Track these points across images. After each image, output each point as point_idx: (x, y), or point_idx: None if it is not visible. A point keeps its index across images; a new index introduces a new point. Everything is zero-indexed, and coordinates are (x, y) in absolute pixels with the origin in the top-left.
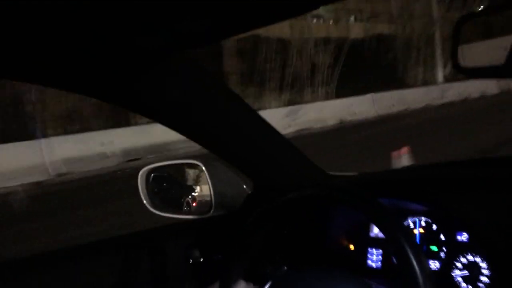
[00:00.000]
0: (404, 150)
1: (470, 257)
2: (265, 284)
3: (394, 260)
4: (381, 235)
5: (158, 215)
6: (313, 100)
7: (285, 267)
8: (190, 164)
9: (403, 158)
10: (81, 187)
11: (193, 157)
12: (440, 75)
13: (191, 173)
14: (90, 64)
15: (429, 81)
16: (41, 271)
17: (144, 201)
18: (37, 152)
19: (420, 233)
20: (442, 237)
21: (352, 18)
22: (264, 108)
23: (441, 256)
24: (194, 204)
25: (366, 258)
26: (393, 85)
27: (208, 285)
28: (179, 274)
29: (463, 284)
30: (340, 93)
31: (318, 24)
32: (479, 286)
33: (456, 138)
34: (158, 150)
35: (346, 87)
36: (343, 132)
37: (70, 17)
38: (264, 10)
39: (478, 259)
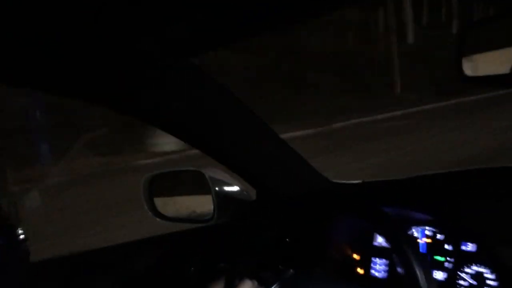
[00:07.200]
0: None
1: (476, 267)
2: (270, 287)
3: (399, 269)
4: (385, 244)
5: (161, 222)
6: None
7: (291, 270)
8: (192, 171)
9: None
10: None
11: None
12: None
13: (193, 180)
14: (92, 70)
15: None
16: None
17: (147, 208)
18: None
19: (425, 243)
20: (447, 247)
21: None
22: None
23: (446, 266)
24: (196, 211)
25: (370, 267)
26: None
27: None
28: (182, 282)
29: None
30: None
31: None
32: None
33: None
34: None
35: None
36: None
37: (72, 20)
38: (269, 16)
39: (484, 269)
